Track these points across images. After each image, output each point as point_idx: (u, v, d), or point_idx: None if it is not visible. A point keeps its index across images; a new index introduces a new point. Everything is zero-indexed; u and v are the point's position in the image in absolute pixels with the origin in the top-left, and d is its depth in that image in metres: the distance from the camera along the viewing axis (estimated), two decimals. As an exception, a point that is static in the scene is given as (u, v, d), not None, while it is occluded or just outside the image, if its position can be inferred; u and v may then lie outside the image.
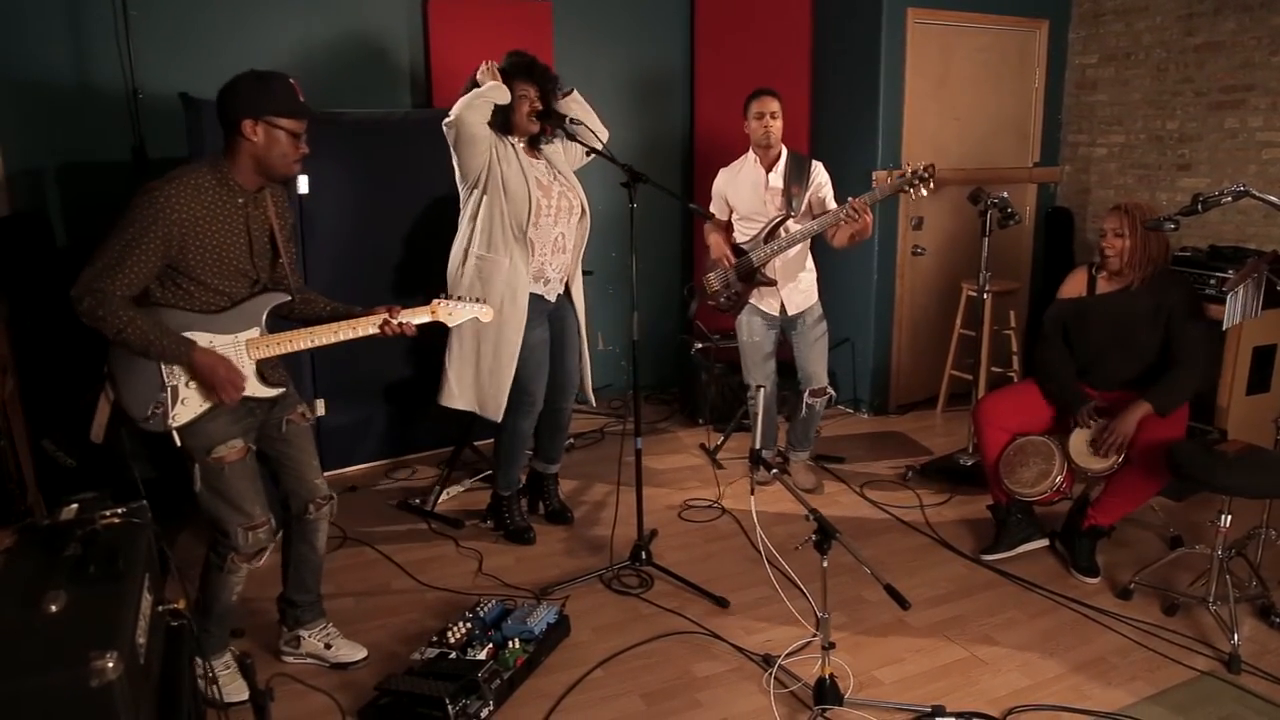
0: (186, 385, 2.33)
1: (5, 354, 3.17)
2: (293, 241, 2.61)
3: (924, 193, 3.56)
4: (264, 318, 2.44)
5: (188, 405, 2.34)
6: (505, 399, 3.36)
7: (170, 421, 2.32)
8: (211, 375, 2.32)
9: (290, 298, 2.51)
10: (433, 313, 2.61)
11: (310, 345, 2.48)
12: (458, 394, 3.41)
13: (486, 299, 3.23)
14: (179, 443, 2.35)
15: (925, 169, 3.52)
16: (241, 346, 2.40)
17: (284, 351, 2.46)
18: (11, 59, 3.63)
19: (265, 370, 2.46)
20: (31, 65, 3.71)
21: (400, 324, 2.52)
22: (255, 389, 2.44)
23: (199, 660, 2.36)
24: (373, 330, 2.51)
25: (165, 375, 2.31)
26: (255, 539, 2.48)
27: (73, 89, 3.80)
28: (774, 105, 3.77)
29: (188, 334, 2.31)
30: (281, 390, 2.52)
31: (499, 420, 3.41)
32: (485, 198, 3.25)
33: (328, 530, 2.76)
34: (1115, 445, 3.20)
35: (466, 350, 3.36)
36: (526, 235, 3.24)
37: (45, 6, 3.72)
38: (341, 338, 2.49)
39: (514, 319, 3.29)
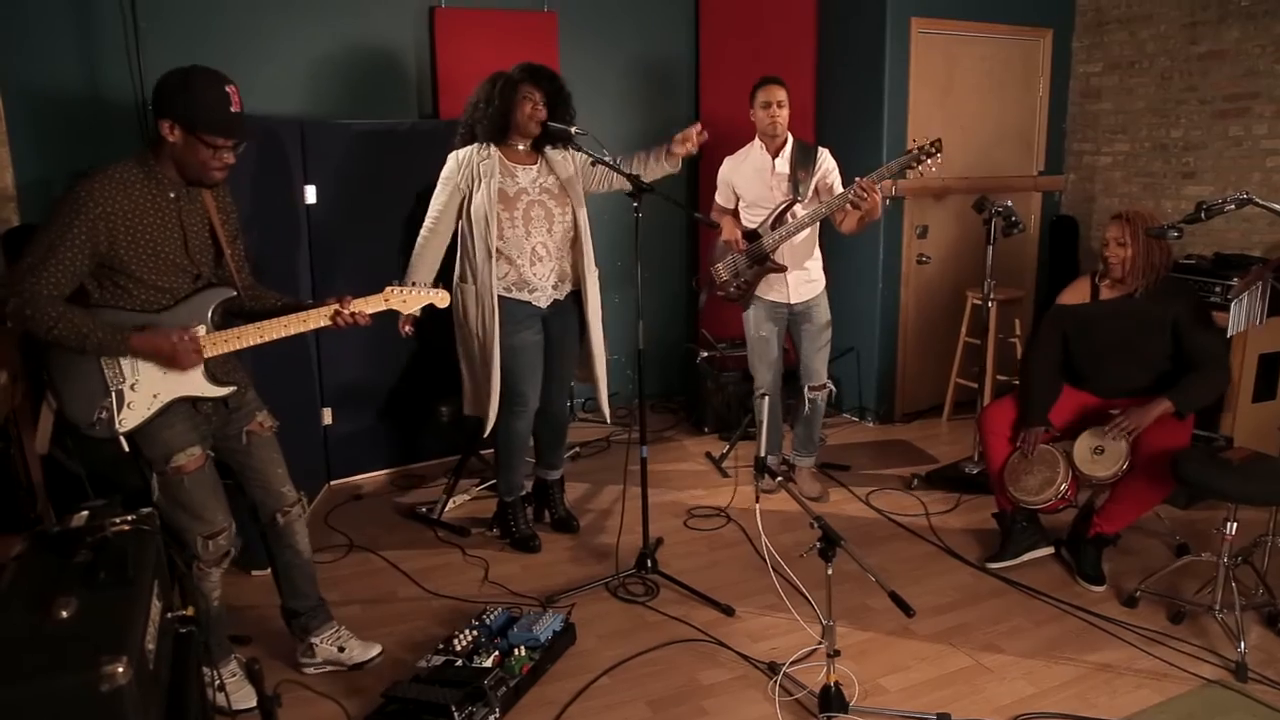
0: (132, 389, 2.28)
1: (15, 362, 3.19)
2: (240, 238, 2.55)
3: (933, 169, 3.53)
4: (210, 314, 2.37)
5: (134, 409, 2.29)
6: (492, 412, 3.42)
7: (117, 426, 2.27)
8: (157, 349, 2.25)
9: (236, 293, 2.46)
10: (386, 300, 2.55)
11: (260, 340, 2.40)
12: (466, 401, 3.54)
13: (466, 320, 3.38)
14: (126, 448, 2.30)
15: (932, 144, 3.50)
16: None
17: (233, 349, 2.39)
18: (23, 71, 3.66)
19: (215, 369, 2.41)
20: (43, 77, 3.75)
21: (353, 314, 2.45)
22: (204, 388, 2.38)
23: (206, 669, 2.38)
24: (324, 322, 2.44)
25: (109, 378, 2.26)
26: (216, 546, 2.45)
27: (83, 100, 3.84)
28: (781, 94, 3.76)
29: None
30: (232, 389, 2.47)
31: (489, 425, 3.47)
32: (461, 224, 3.38)
33: (306, 531, 2.74)
34: (1125, 430, 3.19)
35: (466, 365, 3.48)
36: (492, 251, 3.29)
37: (56, 19, 3.75)
38: (291, 331, 2.42)
39: (487, 338, 3.36)
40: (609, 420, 3.84)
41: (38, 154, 3.72)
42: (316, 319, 2.45)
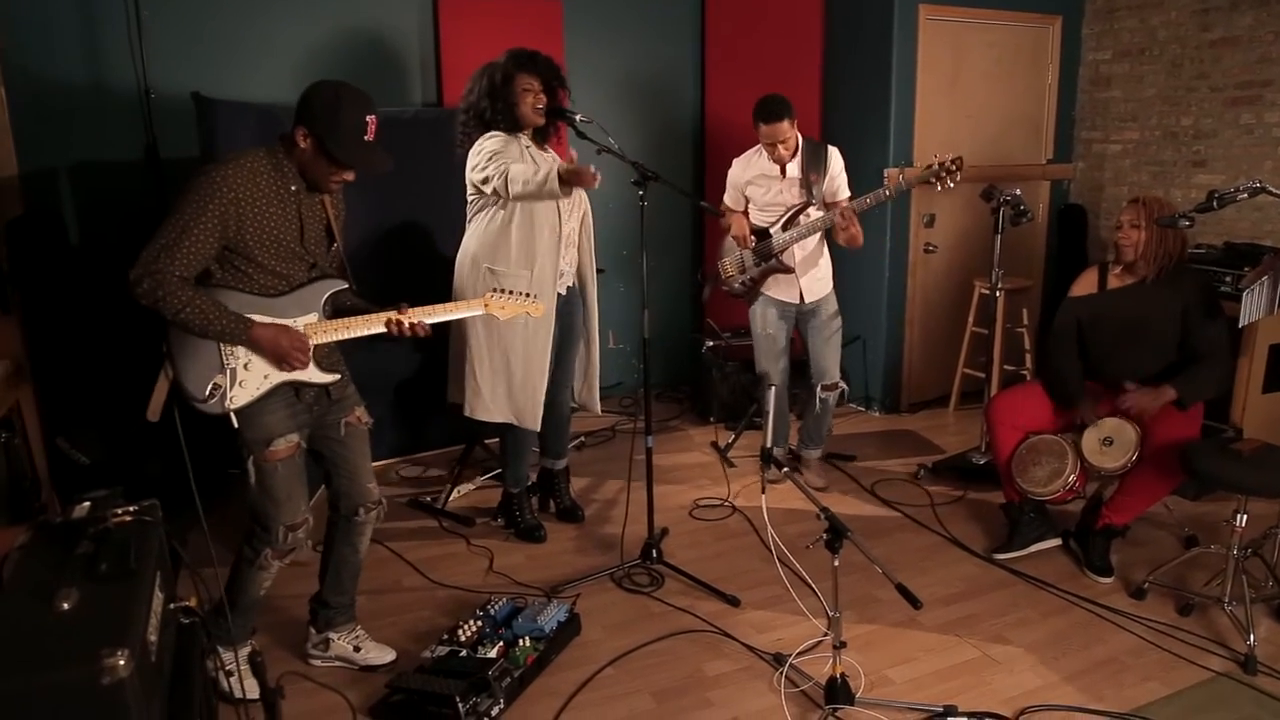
0: (245, 368, 2.35)
1: (20, 352, 3.19)
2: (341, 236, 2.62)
3: (950, 185, 3.54)
4: (321, 304, 2.45)
5: (245, 388, 2.35)
6: (541, 407, 3.37)
7: (228, 403, 2.33)
8: (274, 345, 2.33)
9: (348, 285, 2.53)
10: (485, 305, 2.62)
11: (367, 331, 2.47)
12: (493, 408, 3.40)
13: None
14: (235, 424, 2.36)
15: (954, 161, 3.50)
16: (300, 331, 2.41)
17: (342, 337, 2.46)
18: (26, 59, 3.65)
19: (321, 357, 2.47)
20: (45, 66, 3.73)
21: (411, 324, 2.48)
22: (312, 375, 2.45)
23: (220, 654, 2.39)
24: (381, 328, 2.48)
25: (225, 356, 2.33)
26: (294, 538, 2.50)
27: (86, 89, 3.82)
28: (783, 130, 3.63)
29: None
30: (336, 377, 2.53)
31: (538, 430, 3.43)
32: (502, 212, 3.24)
33: (371, 535, 2.77)
34: (1128, 408, 3.19)
35: (497, 364, 3.35)
36: (562, 237, 3.23)
37: (59, 8, 3.74)
38: (380, 329, 2.47)
39: (542, 330, 3.29)
40: (597, 413, 3.78)
41: (41, 143, 3.71)
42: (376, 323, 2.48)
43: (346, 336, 2.46)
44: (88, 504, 1.89)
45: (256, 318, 2.33)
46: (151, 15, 3.85)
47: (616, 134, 3.40)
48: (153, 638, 1.63)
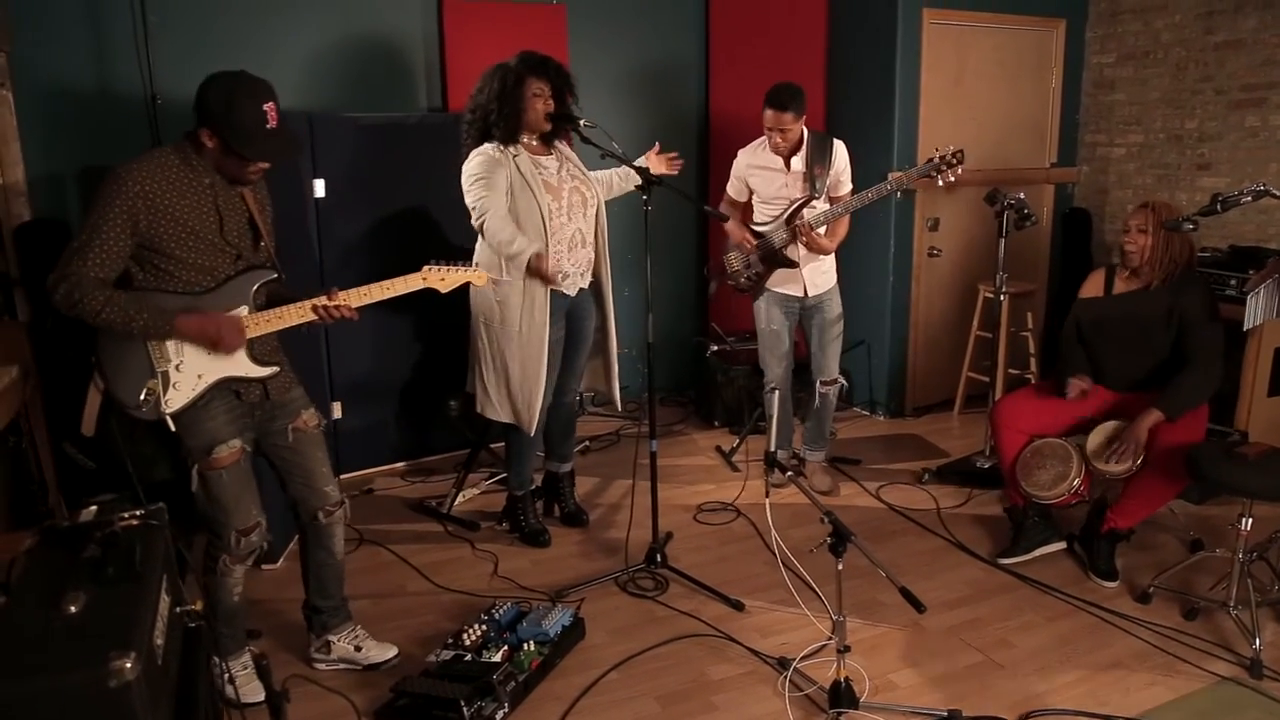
0: (177, 369, 2.32)
1: (27, 357, 3.21)
2: (273, 232, 2.58)
3: (950, 179, 3.54)
4: (252, 295, 2.41)
5: (180, 390, 2.33)
6: (538, 412, 3.38)
7: (164, 407, 2.31)
8: (202, 331, 2.30)
9: (279, 275, 2.48)
10: (424, 278, 2.56)
11: (300, 320, 2.43)
12: (498, 407, 3.45)
13: (505, 320, 3.30)
14: (173, 428, 2.33)
15: (954, 154, 3.50)
16: None
17: (275, 328, 2.43)
18: (33, 66, 3.67)
19: (257, 350, 2.44)
20: (53, 72, 3.75)
21: (339, 307, 2.43)
22: (247, 368, 2.42)
23: (216, 660, 2.39)
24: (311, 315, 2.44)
25: (155, 360, 2.30)
26: (247, 543, 2.49)
27: (93, 95, 3.84)
28: (786, 119, 3.64)
29: None
30: (273, 370, 2.49)
31: (532, 435, 3.45)
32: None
33: (344, 533, 2.76)
34: (1129, 453, 3.17)
35: (499, 366, 3.39)
36: (549, 242, 3.25)
37: (66, 14, 3.76)
38: (312, 316, 2.44)
39: (535, 335, 3.31)
40: (618, 407, 3.83)
41: (49, 149, 3.73)
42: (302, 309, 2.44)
43: (280, 327, 2.43)
44: (95, 508, 1.90)
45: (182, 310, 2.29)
46: (159, 21, 3.87)
47: (620, 136, 3.41)
48: (159, 641, 1.63)
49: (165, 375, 2.31)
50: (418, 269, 2.59)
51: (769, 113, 3.67)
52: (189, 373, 2.34)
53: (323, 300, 2.44)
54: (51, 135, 3.75)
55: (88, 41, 3.82)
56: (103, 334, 2.28)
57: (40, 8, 3.70)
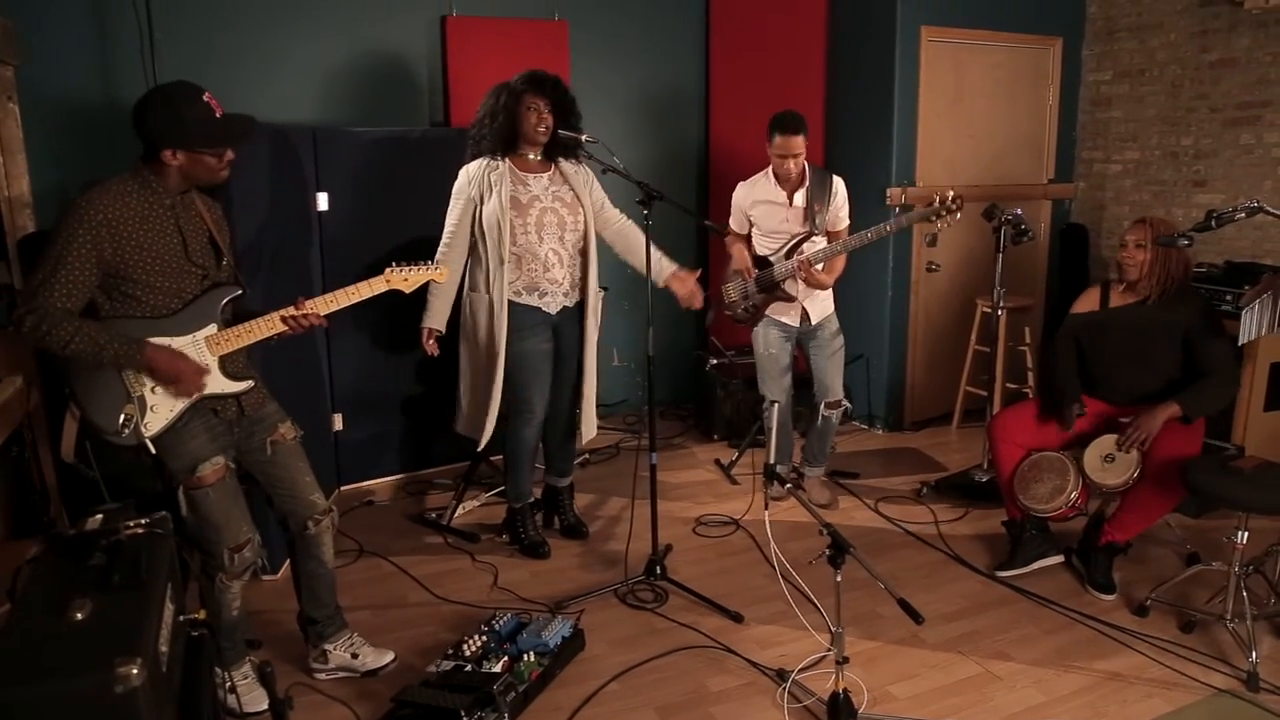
0: (153, 392, 2.31)
1: (31, 367, 3.23)
2: (232, 247, 2.59)
3: (949, 224, 3.60)
4: (219, 312, 2.41)
5: (158, 413, 2.32)
6: (485, 422, 3.47)
7: (144, 432, 2.30)
8: (170, 369, 2.29)
9: (243, 290, 2.49)
10: (387, 281, 2.58)
11: (269, 333, 2.44)
12: (461, 419, 3.60)
13: (475, 328, 3.41)
14: (154, 452, 2.33)
15: (954, 200, 3.55)
16: (201, 344, 2.38)
17: (246, 343, 2.43)
18: (39, 80, 3.70)
19: (229, 366, 2.44)
20: (59, 86, 3.79)
21: (306, 315, 2.46)
22: (221, 385, 2.42)
23: (218, 670, 2.39)
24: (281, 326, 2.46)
25: (130, 385, 2.30)
26: (241, 559, 2.48)
27: (98, 108, 3.88)
28: (799, 144, 3.66)
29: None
30: (247, 385, 2.49)
31: (482, 443, 3.53)
32: (473, 238, 3.41)
33: (333, 542, 2.76)
34: (1138, 440, 3.19)
35: (468, 378, 3.52)
36: (505, 258, 3.32)
37: (72, 28, 3.80)
38: (281, 328, 2.46)
39: (487, 347, 3.40)
40: (582, 441, 3.73)
41: (54, 162, 3.76)
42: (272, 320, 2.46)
43: (251, 340, 2.43)
44: (100, 517, 1.92)
45: (153, 340, 2.29)
46: (164, 36, 3.91)
47: (621, 152, 3.45)
48: (164, 648, 1.65)
49: (142, 399, 2.30)
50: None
51: (779, 139, 3.68)
52: (165, 395, 2.33)
53: (291, 310, 2.46)
54: (57, 148, 3.78)
55: (94, 55, 3.85)
56: (75, 362, 2.26)
57: (47, 21, 3.74)
